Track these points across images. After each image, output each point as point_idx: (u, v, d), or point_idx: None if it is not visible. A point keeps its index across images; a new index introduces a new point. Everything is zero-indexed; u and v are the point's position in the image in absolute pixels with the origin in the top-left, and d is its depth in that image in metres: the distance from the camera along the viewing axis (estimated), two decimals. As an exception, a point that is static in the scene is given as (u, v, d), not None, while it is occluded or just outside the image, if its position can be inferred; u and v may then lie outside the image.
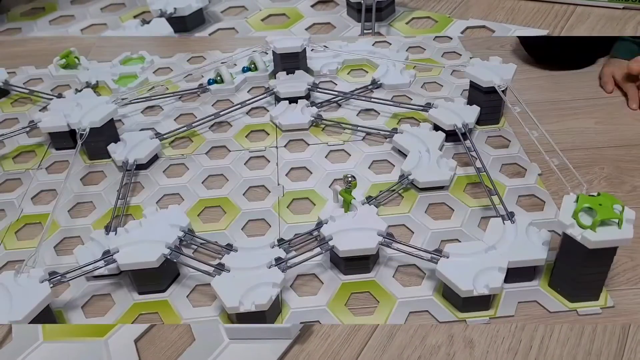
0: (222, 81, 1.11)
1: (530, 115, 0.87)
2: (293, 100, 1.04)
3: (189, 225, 0.77)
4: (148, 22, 1.18)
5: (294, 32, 1.12)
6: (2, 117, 1.08)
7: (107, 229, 0.79)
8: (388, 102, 1.02)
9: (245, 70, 1.14)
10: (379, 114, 1.02)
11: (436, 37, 1.26)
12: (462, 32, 1.16)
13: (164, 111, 1.07)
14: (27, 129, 0.99)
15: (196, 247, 0.79)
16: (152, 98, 1.08)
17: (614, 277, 0.72)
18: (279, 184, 0.89)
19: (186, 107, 1.07)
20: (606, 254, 0.65)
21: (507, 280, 0.69)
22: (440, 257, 0.70)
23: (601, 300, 0.69)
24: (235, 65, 1.16)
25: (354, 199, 0.76)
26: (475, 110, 0.94)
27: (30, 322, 0.63)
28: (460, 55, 1.19)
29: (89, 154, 0.95)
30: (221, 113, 1.02)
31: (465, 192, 0.85)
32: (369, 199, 0.81)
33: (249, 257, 0.70)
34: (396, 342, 0.66)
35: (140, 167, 0.92)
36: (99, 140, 0.93)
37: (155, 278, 0.72)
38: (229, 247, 0.74)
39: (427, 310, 0.69)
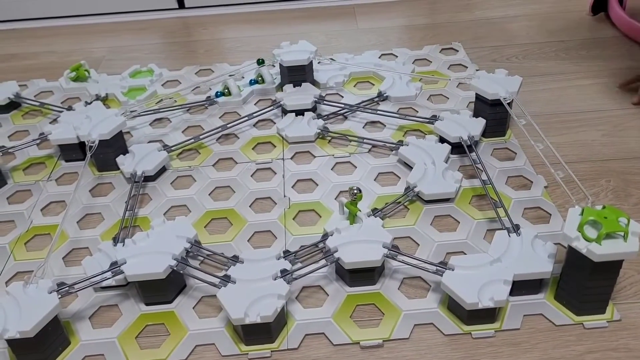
0: (229, 94, 1.12)
1: (536, 128, 0.87)
2: (300, 112, 1.04)
3: (196, 236, 0.77)
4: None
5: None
6: (13, 129, 1.10)
7: (115, 240, 0.80)
8: (394, 115, 1.03)
9: (252, 82, 1.15)
10: (385, 126, 1.03)
11: (442, 49, 1.27)
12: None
13: (172, 123, 1.08)
14: (38, 141, 1.00)
15: (202, 258, 0.79)
16: (161, 110, 1.10)
17: (621, 290, 0.71)
18: (285, 196, 0.89)
19: (194, 120, 1.08)
20: (612, 267, 0.65)
21: (512, 293, 0.69)
22: (446, 269, 0.70)
23: (607, 314, 0.69)
24: (243, 77, 1.17)
25: (360, 211, 0.77)
26: (481, 122, 0.95)
27: (38, 333, 0.64)
28: (466, 67, 1.20)
29: (98, 166, 0.96)
30: (228, 125, 1.03)
31: (471, 204, 0.85)
32: (374, 211, 0.82)
33: (254, 268, 0.71)
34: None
35: (148, 178, 0.93)
36: (108, 152, 0.94)
37: (162, 289, 0.72)
38: (235, 259, 0.74)
39: (432, 323, 0.69)
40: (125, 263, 0.71)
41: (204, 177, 0.94)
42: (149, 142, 1.01)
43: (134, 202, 0.88)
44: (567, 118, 1.03)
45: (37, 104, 1.15)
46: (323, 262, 0.73)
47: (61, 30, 1.50)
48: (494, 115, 0.95)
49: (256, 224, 0.85)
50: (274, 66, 1.16)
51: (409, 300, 0.72)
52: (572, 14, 1.39)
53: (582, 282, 0.66)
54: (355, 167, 0.94)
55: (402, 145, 0.95)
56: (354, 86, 1.16)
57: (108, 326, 0.72)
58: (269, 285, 0.68)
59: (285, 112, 1.06)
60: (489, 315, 0.68)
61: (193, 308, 0.73)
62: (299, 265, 0.76)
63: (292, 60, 1.08)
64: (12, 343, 0.65)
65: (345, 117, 1.06)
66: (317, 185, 0.91)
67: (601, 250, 0.62)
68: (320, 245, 0.78)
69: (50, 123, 1.09)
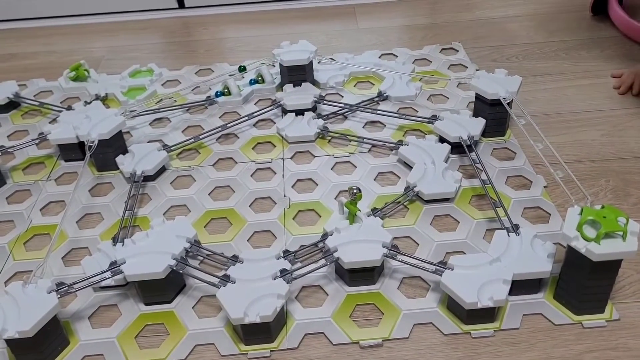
0: (229, 93, 1.12)
1: (535, 128, 0.87)
2: (300, 112, 1.04)
3: (196, 236, 0.77)
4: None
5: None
6: (13, 129, 1.10)
7: (115, 240, 0.80)
8: (394, 115, 1.03)
9: (252, 82, 1.15)
10: (385, 126, 1.03)
11: (442, 49, 1.27)
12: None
13: (172, 123, 1.08)
14: (37, 141, 1.00)
15: (202, 258, 0.79)
16: (160, 110, 1.10)
17: (620, 290, 0.71)
18: (285, 196, 0.89)
19: (194, 119, 1.08)
20: (611, 267, 0.65)
21: (511, 292, 0.69)
22: (445, 269, 0.70)
23: (607, 313, 0.69)
24: (243, 77, 1.17)
25: (359, 210, 0.77)
26: (480, 122, 0.95)
27: (37, 333, 0.64)
28: (467, 67, 1.20)
29: (98, 166, 0.96)
30: (228, 125, 1.03)
31: (471, 204, 0.85)
32: (374, 211, 0.82)
33: (254, 268, 0.71)
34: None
35: (148, 178, 0.93)
36: (108, 152, 0.94)
37: (162, 289, 0.72)
38: (235, 259, 0.74)
39: (431, 323, 0.69)
40: (125, 263, 0.71)
41: (203, 176, 0.94)
42: (149, 141, 1.01)
43: (133, 201, 0.88)
44: (566, 118, 1.03)
45: (37, 103, 1.15)
46: (323, 261, 0.73)
47: (61, 29, 1.50)
48: (494, 115, 0.95)
49: (256, 223, 0.85)
50: (274, 66, 1.16)
51: (408, 299, 0.72)
52: (572, 14, 1.39)
53: (581, 282, 0.66)
54: (355, 167, 0.94)
55: (402, 145, 0.95)
56: (354, 86, 1.16)
57: (107, 326, 0.72)
58: (268, 285, 0.68)
59: (285, 111, 1.06)
60: (488, 314, 0.68)
61: (192, 308, 0.73)
62: (299, 265, 0.76)
63: (292, 60, 1.08)
64: (11, 343, 0.65)
65: (345, 117, 1.06)
66: (317, 185, 0.91)
67: (600, 250, 0.62)
68: (320, 245, 0.78)
69: (49, 123, 1.09)
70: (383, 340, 0.68)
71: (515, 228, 0.74)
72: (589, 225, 0.64)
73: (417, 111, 1.06)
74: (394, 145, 0.96)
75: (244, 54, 1.32)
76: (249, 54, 1.31)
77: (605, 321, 0.68)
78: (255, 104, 1.12)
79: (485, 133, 0.96)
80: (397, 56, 1.25)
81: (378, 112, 1.04)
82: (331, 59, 1.20)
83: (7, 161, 1.01)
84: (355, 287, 0.74)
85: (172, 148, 0.98)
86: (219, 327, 0.71)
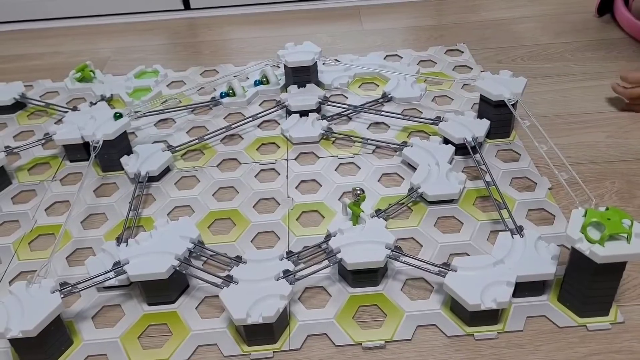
0: (234, 94, 1.12)
1: (540, 129, 0.87)
2: (304, 113, 1.04)
3: (199, 237, 0.78)
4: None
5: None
6: (19, 129, 1.10)
7: (119, 240, 0.80)
8: (398, 116, 1.02)
9: (257, 83, 1.15)
10: (389, 127, 1.03)
11: (447, 50, 1.27)
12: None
13: (177, 124, 1.08)
14: (42, 141, 1.01)
15: (206, 258, 0.79)
16: (165, 111, 1.10)
17: (624, 292, 0.71)
18: (288, 197, 0.89)
19: (198, 120, 1.09)
20: (615, 269, 0.64)
21: (515, 294, 0.69)
22: (449, 270, 0.69)
23: (611, 316, 0.68)
24: (248, 78, 1.17)
25: (363, 211, 0.77)
26: (485, 123, 0.94)
27: (41, 333, 0.64)
28: (471, 68, 1.19)
29: (102, 166, 0.97)
30: (233, 126, 1.04)
31: (475, 205, 0.85)
32: (378, 212, 0.82)
33: (257, 269, 0.71)
34: (403, 355, 0.66)
35: (152, 179, 0.93)
36: (112, 152, 0.94)
37: (165, 289, 0.73)
38: (238, 259, 0.74)
39: (434, 324, 0.69)
40: (128, 263, 0.71)
41: (207, 177, 0.94)
42: (154, 142, 1.01)
43: (137, 202, 0.88)
44: (571, 119, 1.02)
45: (43, 104, 1.15)
46: (326, 262, 0.73)
47: (67, 31, 1.51)
48: (498, 116, 0.95)
49: (259, 224, 0.85)
50: (278, 67, 1.16)
51: (411, 301, 0.72)
52: (578, 15, 1.39)
53: (586, 284, 0.66)
54: (359, 168, 0.94)
55: (406, 146, 0.94)
56: (359, 87, 1.16)
57: (111, 326, 0.72)
58: (271, 285, 0.68)
59: (289, 112, 1.06)
60: (491, 316, 0.67)
61: (196, 308, 0.73)
62: (302, 265, 0.76)
63: (296, 61, 1.08)
64: (14, 342, 0.65)
65: (350, 118, 1.06)
66: (321, 186, 0.91)
67: (604, 252, 0.61)
68: (323, 246, 0.78)
69: (55, 123, 1.09)
70: (386, 342, 0.68)
71: (519, 230, 0.74)
72: (593, 227, 0.64)
73: (422, 112, 1.06)
74: (398, 146, 0.96)
75: (249, 55, 1.32)
76: (254, 55, 1.31)
77: (609, 324, 0.68)
78: (259, 105, 1.12)
79: (489, 134, 0.96)
80: (401, 57, 1.25)
81: (382, 113, 1.04)
82: (336, 60, 1.20)
83: (13, 161, 1.01)
84: (358, 288, 0.74)
85: (176, 149, 0.98)
86: (221, 328, 0.71)
